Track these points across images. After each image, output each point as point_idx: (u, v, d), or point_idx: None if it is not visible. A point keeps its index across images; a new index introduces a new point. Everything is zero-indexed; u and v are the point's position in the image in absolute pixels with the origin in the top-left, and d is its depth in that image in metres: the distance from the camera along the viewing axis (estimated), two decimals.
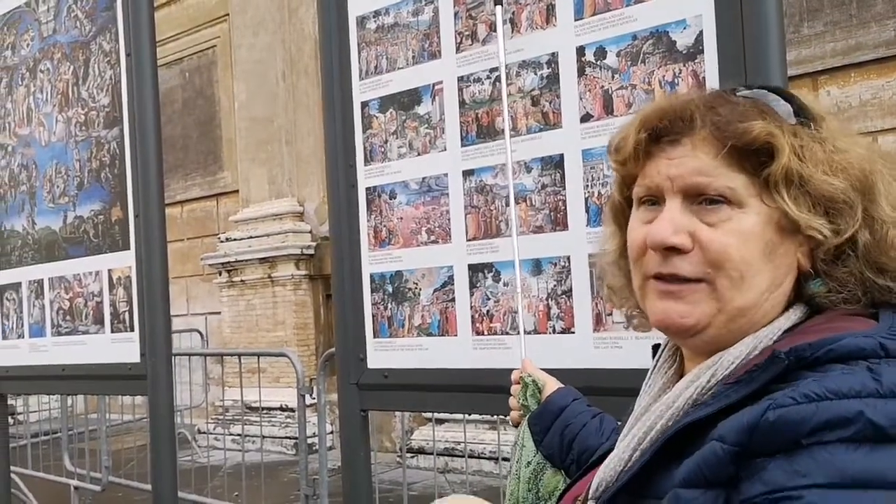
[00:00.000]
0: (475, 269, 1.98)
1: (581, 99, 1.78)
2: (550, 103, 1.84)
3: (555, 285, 1.84)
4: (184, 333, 9.28)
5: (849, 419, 0.69)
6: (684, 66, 1.62)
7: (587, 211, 1.78)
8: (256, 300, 9.08)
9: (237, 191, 9.93)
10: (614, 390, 1.45)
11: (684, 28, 1.62)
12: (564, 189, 1.81)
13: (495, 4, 1.82)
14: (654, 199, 0.91)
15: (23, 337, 3.10)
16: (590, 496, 0.94)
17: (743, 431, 0.74)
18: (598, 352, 1.76)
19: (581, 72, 1.78)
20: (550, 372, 1.46)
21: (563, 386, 1.42)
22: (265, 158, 9.35)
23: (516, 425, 1.43)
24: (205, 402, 8.70)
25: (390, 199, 2.14)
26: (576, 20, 1.79)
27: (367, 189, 2.19)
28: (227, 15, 9.98)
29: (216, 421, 8.75)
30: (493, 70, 1.94)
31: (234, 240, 9.36)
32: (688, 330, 0.89)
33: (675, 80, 1.62)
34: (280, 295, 8.93)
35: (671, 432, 0.84)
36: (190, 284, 10.78)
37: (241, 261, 9.13)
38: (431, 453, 6.07)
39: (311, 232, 9.00)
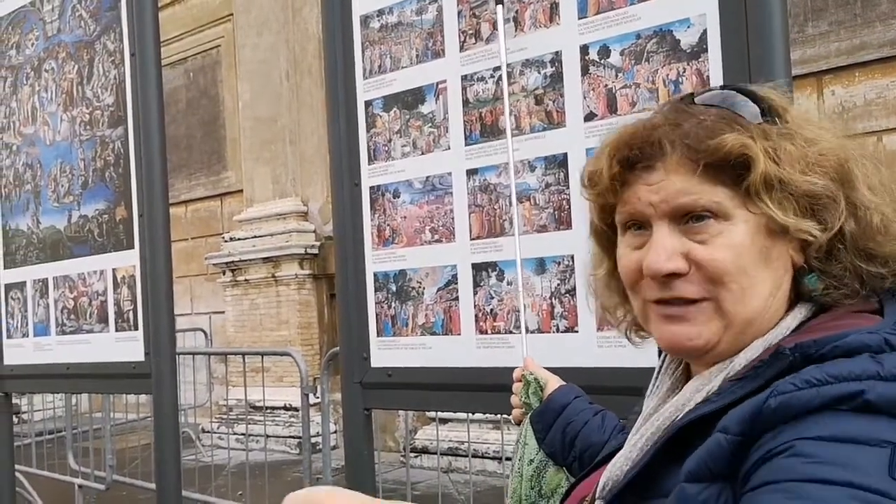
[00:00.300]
0: (479, 268, 1.98)
1: (585, 98, 1.78)
2: (554, 102, 1.84)
3: (558, 284, 1.84)
4: (188, 333, 9.29)
5: (848, 396, 0.71)
6: (688, 64, 1.62)
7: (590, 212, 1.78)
8: (260, 299, 9.09)
9: (241, 190, 9.94)
10: (618, 389, 1.45)
11: (688, 27, 1.62)
12: (568, 188, 1.81)
13: (496, 3, 1.83)
14: (640, 224, 0.91)
15: (27, 336, 3.10)
16: (597, 496, 0.94)
17: (745, 421, 0.74)
18: (601, 351, 1.76)
19: (585, 71, 1.78)
20: (554, 371, 1.46)
21: (564, 384, 1.42)
22: (269, 158, 9.35)
23: (518, 423, 1.43)
24: (209, 402, 8.71)
25: (394, 198, 2.14)
26: (579, 19, 1.79)
27: (371, 188, 2.19)
28: (231, 15, 9.99)
29: (220, 420, 8.77)
30: (496, 69, 1.94)
31: (238, 239, 9.37)
32: (698, 350, 0.89)
33: (679, 79, 1.62)
34: (284, 294, 8.94)
35: (675, 429, 0.84)
36: (194, 284, 10.80)
37: (245, 260, 9.14)
38: (435, 453, 6.08)
39: (314, 231, 9.01)
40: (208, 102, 10.78)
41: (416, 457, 6.89)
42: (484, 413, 5.59)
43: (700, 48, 1.60)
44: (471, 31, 1.98)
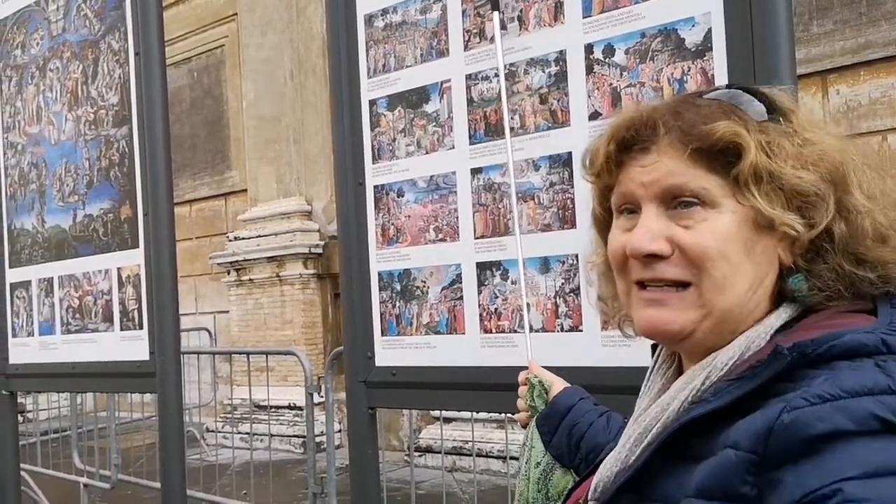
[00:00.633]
0: (483, 268, 1.98)
1: (589, 97, 1.78)
2: (558, 101, 1.83)
3: (563, 283, 1.84)
4: (192, 332, 9.31)
5: (862, 417, 0.69)
6: (693, 63, 1.62)
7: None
8: (265, 299, 9.10)
9: (245, 190, 9.96)
10: (622, 388, 1.45)
11: (693, 25, 1.61)
12: (572, 187, 1.81)
13: (492, 10, 1.83)
14: (632, 208, 0.92)
15: (33, 335, 3.11)
16: (589, 497, 0.94)
17: (759, 437, 0.73)
18: (606, 350, 1.76)
19: (589, 70, 1.78)
20: (558, 370, 1.46)
21: (569, 385, 1.42)
22: (273, 157, 9.37)
23: (524, 426, 1.43)
24: (213, 401, 8.73)
25: (398, 197, 2.14)
26: (584, 18, 1.78)
27: (375, 187, 2.19)
28: (236, 14, 10.00)
29: (224, 419, 8.78)
30: None
31: (243, 239, 9.39)
32: (674, 336, 0.89)
33: (684, 78, 1.62)
34: (288, 294, 8.95)
35: (670, 431, 0.84)
36: (198, 283, 10.82)
37: (250, 260, 9.15)
38: (439, 452, 6.08)
39: (319, 231, 9.02)
40: (212, 102, 10.79)
41: (420, 456, 6.89)
42: (488, 412, 5.59)
43: (705, 47, 1.60)
44: (475, 31, 1.98)
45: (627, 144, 0.91)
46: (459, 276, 2.03)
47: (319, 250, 8.82)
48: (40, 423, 7.44)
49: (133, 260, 2.68)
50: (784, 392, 0.75)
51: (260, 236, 9.21)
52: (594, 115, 1.77)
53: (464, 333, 2.02)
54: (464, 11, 2.00)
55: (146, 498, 6.22)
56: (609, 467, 0.92)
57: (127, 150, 2.69)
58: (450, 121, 2.03)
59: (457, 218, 2.02)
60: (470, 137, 1.99)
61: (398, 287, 2.15)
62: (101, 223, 2.80)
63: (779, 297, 0.89)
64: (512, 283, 1.93)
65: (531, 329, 1.80)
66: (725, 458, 0.75)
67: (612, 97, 1.74)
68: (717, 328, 0.88)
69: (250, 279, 9.23)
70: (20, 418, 4.50)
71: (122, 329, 2.73)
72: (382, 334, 2.19)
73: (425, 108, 2.08)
